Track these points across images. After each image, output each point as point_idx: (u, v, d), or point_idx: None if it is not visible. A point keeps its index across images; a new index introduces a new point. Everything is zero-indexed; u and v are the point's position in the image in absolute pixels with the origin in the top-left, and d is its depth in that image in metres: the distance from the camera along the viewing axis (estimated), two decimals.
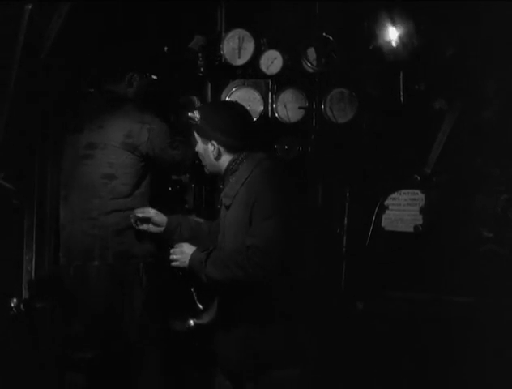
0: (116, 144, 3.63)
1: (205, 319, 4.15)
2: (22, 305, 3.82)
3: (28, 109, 3.86)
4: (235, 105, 3.41)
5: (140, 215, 3.57)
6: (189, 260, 3.07)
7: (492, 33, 3.97)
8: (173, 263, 3.16)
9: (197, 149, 3.24)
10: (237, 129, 3.15)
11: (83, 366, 3.68)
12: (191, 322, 4.16)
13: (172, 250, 3.19)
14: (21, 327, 3.80)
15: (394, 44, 4.18)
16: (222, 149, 3.10)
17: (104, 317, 3.62)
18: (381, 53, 4.19)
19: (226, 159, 3.12)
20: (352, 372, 3.04)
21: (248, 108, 4.31)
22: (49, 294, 3.96)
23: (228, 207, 3.07)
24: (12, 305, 3.79)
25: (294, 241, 2.95)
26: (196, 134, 3.20)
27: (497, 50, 3.99)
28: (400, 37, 4.19)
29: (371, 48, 4.24)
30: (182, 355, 4.13)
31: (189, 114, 3.23)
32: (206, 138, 3.12)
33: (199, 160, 4.10)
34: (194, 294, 4.12)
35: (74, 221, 3.68)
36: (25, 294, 4.00)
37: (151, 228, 3.56)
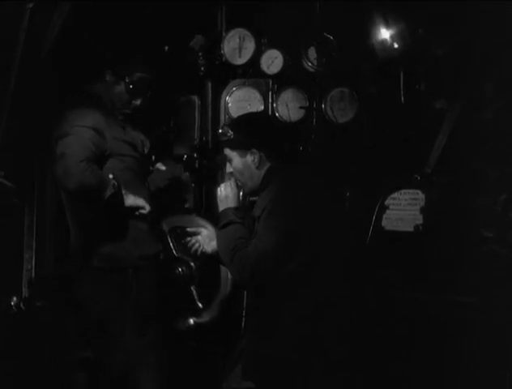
0: None
1: (205, 318, 4.17)
2: (22, 304, 3.82)
3: (29, 107, 3.86)
4: (262, 112, 3.61)
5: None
6: (222, 210, 3.14)
7: (491, 32, 3.97)
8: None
9: (232, 168, 3.18)
10: (275, 128, 3.25)
11: (84, 365, 3.68)
12: (191, 321, 4.18)
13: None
14: (21, 326, 3.80)
15: (389, 43, 4.19)
16: (263, 155, 3.07)
17: (98, 319, 3.59)
18: (379, 52, 4.19)
19: (266, 167, 3.09)
20: (353, 371, 3.02)
21: (248, 107, 4.39)
22: (49, 293, 3.96)
23: (258, 219, 3.05)
24: (12, 303, 3.78)
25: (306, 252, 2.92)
26: (230, 151, 3.15)
27: (497, 50, 3.99)
28: (395, 36, 4.19)
29: (371, 47, 4.24)
30: (183, 354, 4.13)
31: (220, 131, 3.22)
32: (245, 148, 3.09)
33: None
34: (195, 293, 4.14)
35: (73, 221, 3.67)
36: (25, 293, 4.00)
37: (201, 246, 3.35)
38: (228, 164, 3.23)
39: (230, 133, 3.12)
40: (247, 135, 3.11)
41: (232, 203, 3.15)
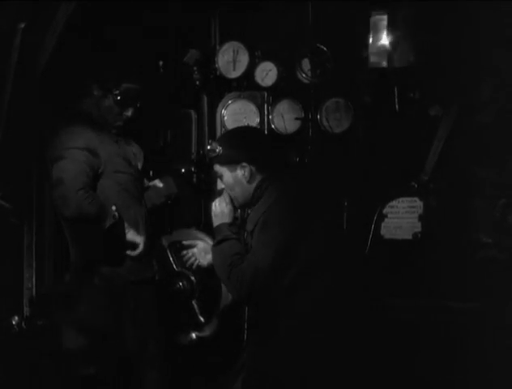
0: None
1: (206, 332, 4.17)
2: (23, 323, 3.81)
3: (25, 126, 3.87)
4: (249, 127, 3.64)
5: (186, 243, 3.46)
6: (216, 226, 3.12)
7: (486, 37, 3.98)
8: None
9: (223, 184, 3.16)
10: (263, 141, 3.20)
11: (86, 383, 3.67)
12: (193, 335, 4.18)
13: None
14: (23, 345, 3.80)
15: (382, 52, 4.20)
16: (253, 168, 3.04)
17: (99, 334, 3.59)
18: (373, 61, 4.20)
19: (257, 180, 3.06)
20: (352, 378, 3.02)
21: (244, 120, 4.40)
22: (50, 311, 3.96)
23: (250, 233, 3.04)
24: (13, 322, 3.78)
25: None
26: (219, 167, 3.12)
27: (491, 54, 3.99)
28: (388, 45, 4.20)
29: (365, 57, 4.25)
30: (185, 368, 4.12)
31: (208, 147, 3.14)
32: (235, 162, 3.06)
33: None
34: (196, 307, 4.13)
35: (70, 244, 3.66)
36: (26, 312, 4.00)
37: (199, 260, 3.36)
38: (219, 181, 3.22)
39: (219, 148, 3.08)
40: (235, 150, 3.09)
41: (226, 219, 3.14)
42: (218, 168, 3.13)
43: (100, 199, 3.41)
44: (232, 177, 3.08)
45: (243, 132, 3.39)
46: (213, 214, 3.19)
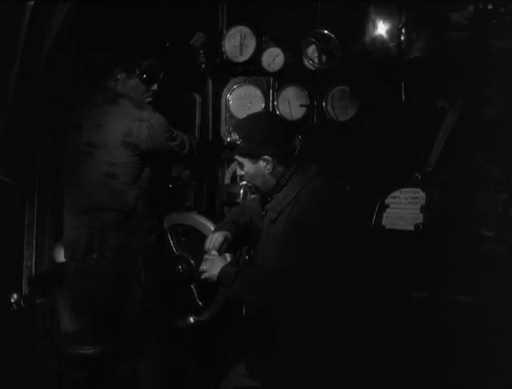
0: (116, 144, 3.62)
1: (205, 316, 4.17)
2: (22, 301, 3.82)
3: (30, 105, 3.85)
4: (266, 114, 3.55)
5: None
6: (219, 272, 2.97)
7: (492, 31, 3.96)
8: (203, 276, 3.05)
9: (244, 172, 3.08)
10: (282, 131, 3.09)
11: (84, 363, 3.68)
12: (191, 319, 4.18)
13: (203, 263, 3.09)
14: (21, 323, 3.80)
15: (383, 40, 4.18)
16: (276, 161, 2.99)
17: (104, 311, 3.62)
18: (380, 50, 4.18)
19: (278, 171, 3.01)
20: (352, 372, 3.03)
21: (249, 105, 4.39)
22: (49, 290, 3.96)
23: (273, 221, 3.01)
24: (12, 300, 3.79)
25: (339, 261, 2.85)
26: (240, 158, 3.05)
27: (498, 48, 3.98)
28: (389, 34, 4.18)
29: (370, 44, 4.23)
30: (182, 352, 4.13)
31: (228, 139, 3.12)
32: (256, 156, 2.99)
33: (199, 151, 4.14)
34: (195, 291, 4.13)
35: (75, 217, 3.69)
36: (25, 290, 3.99)
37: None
38: (238, 167, 3.14)
39: (239, 141, 3.00)
40: (256, 143, 2.99)
41: (221, 263, 3.01)
42: (238, 157, 3.06)
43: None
44: (253, 168, 3.03)
45: (262, 122, 3.15)
46: (210, 275, 3.03)
